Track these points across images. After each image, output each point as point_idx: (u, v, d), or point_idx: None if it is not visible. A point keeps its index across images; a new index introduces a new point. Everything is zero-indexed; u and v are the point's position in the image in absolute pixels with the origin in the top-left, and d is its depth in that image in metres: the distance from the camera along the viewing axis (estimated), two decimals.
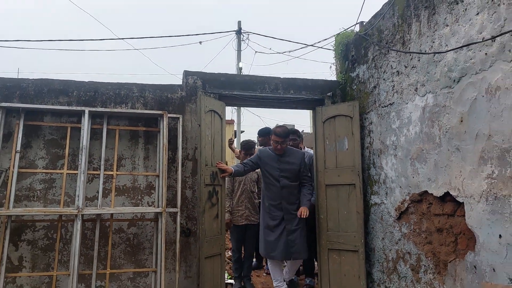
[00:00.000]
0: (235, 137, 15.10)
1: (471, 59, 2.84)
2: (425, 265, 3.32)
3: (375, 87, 4.13)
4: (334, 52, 4.91)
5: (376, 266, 4.05)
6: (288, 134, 4.44)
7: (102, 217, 3.75)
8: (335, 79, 4.86)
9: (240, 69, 16.82)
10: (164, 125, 3.83)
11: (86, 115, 3.69)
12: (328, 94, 4.66)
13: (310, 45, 9.16)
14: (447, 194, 3.07)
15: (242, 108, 16.40)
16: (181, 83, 4.34)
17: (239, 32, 16.57)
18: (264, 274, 5.92)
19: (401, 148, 3.67)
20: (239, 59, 16.90)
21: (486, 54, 2.71)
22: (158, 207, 3.75)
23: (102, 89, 4.04)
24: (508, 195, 2.51)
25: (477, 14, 2.78)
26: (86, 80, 4.07)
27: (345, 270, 4.24)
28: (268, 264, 4.63)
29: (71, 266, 3.40)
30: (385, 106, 3.94)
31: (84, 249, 3.72)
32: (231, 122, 18.25)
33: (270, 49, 20.49)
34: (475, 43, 2.77)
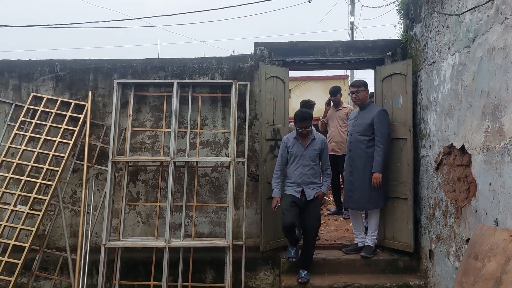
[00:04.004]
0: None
1: (480, 20, 3.02)
2: (450, 211, 3.66)
3: (425, 45, 4.32)
4: (397, 11, 5.08)
5: (423, 212, 4.42)
6: (360, 84, 4.72)
7: (190, 164, 4.88)
8: (397, 38, 5.06)
9: (352, 23, 16.63)
10: (233, 91, 4.71)
11: (175, 86, 4.77)
12: (388, 53, 4.93)
13: None
14: (463, 146, 3.34)
15: None
16: (252, 53, 5.13)
17: None
18: (342, 219, 6.56)
19: (439, 104, 3.92)
20: (352, 13, 16.65)
21: (488, 16, 2.88)
22: (229, 157, 4.73)
23: (189, 64, 5.07)
24: (494, 147, 2.78)
25: None
26: (178, 57, 5.15)
27: (397, 215, 4.69)
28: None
29: (168, 199, 4.63)
30: (430, 64, 4.15)
31: (180, 187, 4.93)
32: (345, 77, 18.21)
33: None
34: (480, 5, 2.94)
